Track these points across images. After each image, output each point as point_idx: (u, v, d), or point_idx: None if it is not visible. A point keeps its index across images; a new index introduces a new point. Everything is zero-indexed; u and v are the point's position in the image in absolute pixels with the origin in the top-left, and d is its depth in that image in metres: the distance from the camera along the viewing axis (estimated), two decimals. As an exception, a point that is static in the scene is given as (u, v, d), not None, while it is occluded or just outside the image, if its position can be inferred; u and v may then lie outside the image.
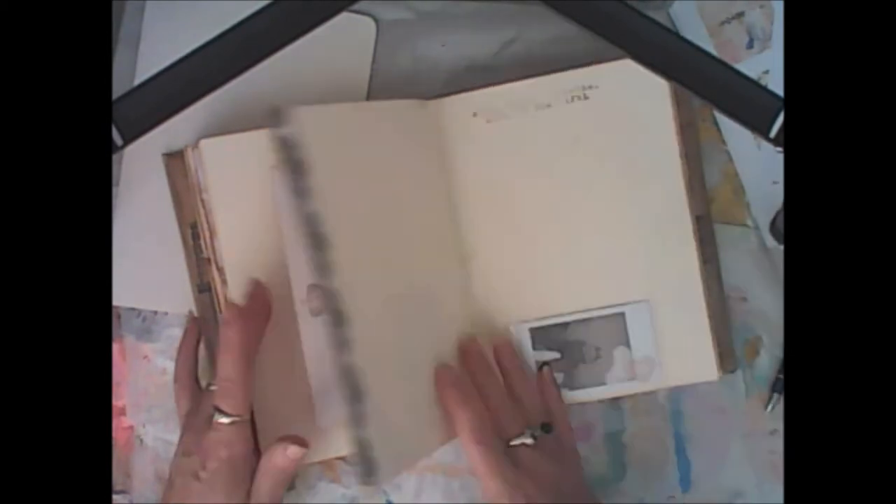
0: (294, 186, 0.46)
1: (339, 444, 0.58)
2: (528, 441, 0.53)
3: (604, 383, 0.58)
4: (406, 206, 0.56)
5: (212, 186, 0.56)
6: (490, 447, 0.51)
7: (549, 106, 0.58)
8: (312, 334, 0.56)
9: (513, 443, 0.53)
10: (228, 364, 0.52)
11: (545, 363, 0.58)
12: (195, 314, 0.59)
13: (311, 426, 0.57)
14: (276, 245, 0.56)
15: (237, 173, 0.56)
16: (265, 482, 0.53)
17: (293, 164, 0.46)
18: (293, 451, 0.53)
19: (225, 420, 0.52)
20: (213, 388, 0.54)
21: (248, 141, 0.56)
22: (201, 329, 0.59)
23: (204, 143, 0.56)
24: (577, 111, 0.58)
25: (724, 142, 0.60)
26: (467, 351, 0.56)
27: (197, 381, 0.57)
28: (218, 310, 0.57)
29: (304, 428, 0.56)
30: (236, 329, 0.52)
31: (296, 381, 0.57)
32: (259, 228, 0.57)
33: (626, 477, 0.60)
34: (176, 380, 0.58)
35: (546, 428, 0.55)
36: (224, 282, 0.56)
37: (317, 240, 0.47)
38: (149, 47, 0.60)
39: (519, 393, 0.56)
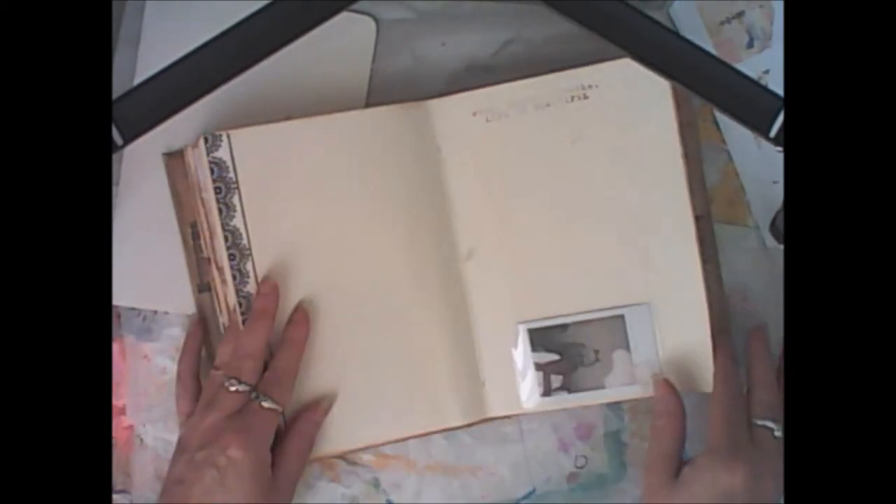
0: (223, 203, 0.55)
1: (338, 439, 0.58)
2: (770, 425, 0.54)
3: (603, 387, 0.58)
4: (383, 211, 0.57)
5: (242, 173, 0.56)
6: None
7: (548, 105, 0.58)
8: (315, 331, 0.57)
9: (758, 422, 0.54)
10: (292, 357, 0.56)
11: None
12: (197, 317, 0.59)
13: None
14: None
15: (268, 161, 0.56)
16: (293, 456, 0.55)
17: (224, 182, 0.55)
18: (320, 415, 0.56)
19: (268, 405, 0.53)
20: (218, 372, 0.54)
21: (249, 136, 0.56)
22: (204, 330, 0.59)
23: (234, 133, 0.56)
24: (577, 110, 0.58)
25: (724, 141, 0.60)
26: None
27: (199, 381, 0.57)
28: (218, 309, 0.57)
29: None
30: (304, 329, 0.56)
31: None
32: (288, 212, 0.57)
33: (627, 476, 0.60)
34: (178, 380, 0.58)
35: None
36: (224, 282, 0.56)
37: (239, 251, 0.55)
38: (149, 47, 0.60)
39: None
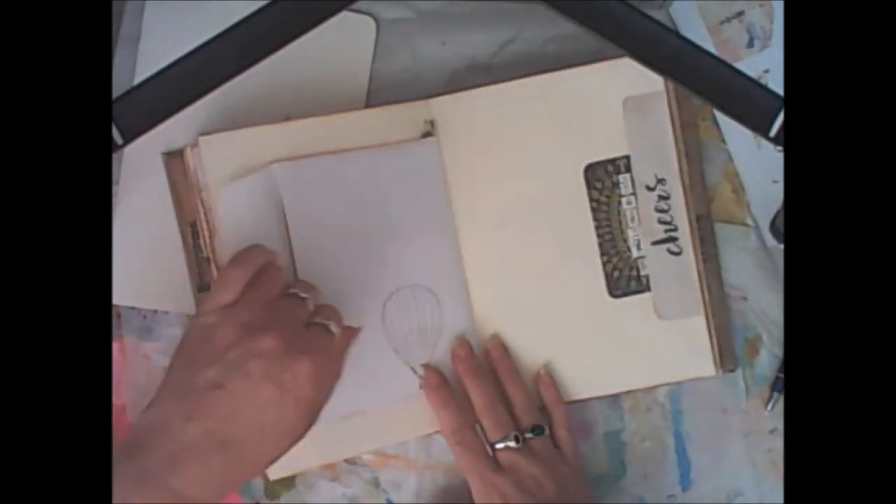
0: None
1: (341, 444, 0.58)
2: (511, 444, 0.54)
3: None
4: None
5: (211, 183, 0.56)
6: (469, 448, 0.54)
7: (549, 104, 0.58)
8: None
9: (497, 446, 0.54)
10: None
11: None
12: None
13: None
14: (277, 241, 0.56)
15: (237, 170, 0.56)
16: None
17: None
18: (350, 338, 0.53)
19: (334, 329, 0.49)
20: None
21: (249, 137, 0.56)
22: None
23: (203, 139, 0.56)
24: (577, 110, 0.58)
25: (724, 141, 0.60)
26: (458, 355, 0.57)
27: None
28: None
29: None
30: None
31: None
32: (260, 223, 0.57)
33: (626, 476, 0.60)
34: (230, 265, 0.51)
35: (536, 430, 0.55)
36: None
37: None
38: (149, 47, 0.60)
39: (510, 395, 0.57)
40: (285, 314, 0.48)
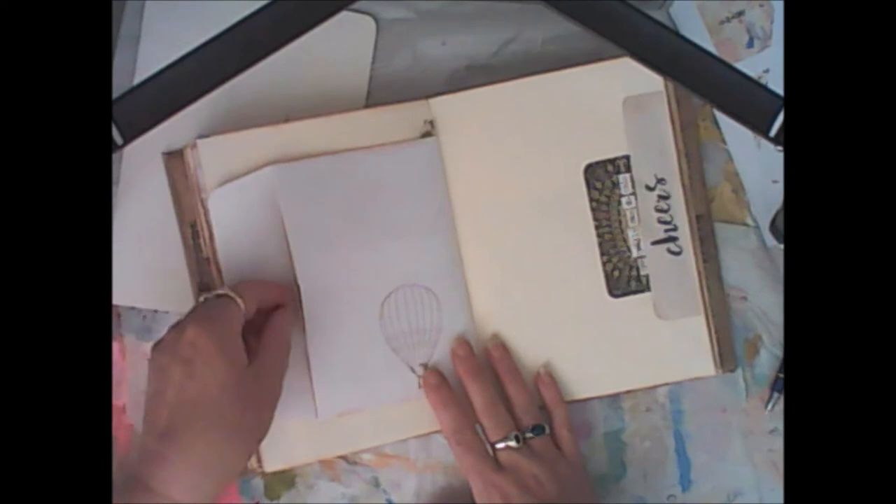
0: None
1: (339, 440, 0.58)
2: (512, 444, 0.54)
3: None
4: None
5: (209, 186, 0.56)
6: (469, 448, 0.55)
7: (549, 104, 0.58)
8: (317, 327, 0.57)
9: (498, 446, 0.55)
10: (270, 286, 0.56)
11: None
12: None
13: (311, 418, 0.57)
14: (275, 241, 0.56)
15: (235, 172, 0.56)
16: (272, 350, 0.53)
17: None
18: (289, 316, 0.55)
19: (222, 291, 0.52)
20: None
21: (246, 139, 0.56)
22: None
23: (201, 142, 0.56)
24: (577, 109, 0.58)
25: (724, 141, 0.60)
26: (458, 354, 0.57)
27: None
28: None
29: (304, 420, 0.57)
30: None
31: (296, 373, 0.57)
32: (255, 225, 0.57)
33: (627, 476, 0.60)
34: None
35: (537, 430, 0.55)
36: (223, 281, 0.56)
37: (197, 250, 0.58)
38: (149, 47, 0.60)
39: (510, 395, 0.57)
40: (188, 314, 0.51)
